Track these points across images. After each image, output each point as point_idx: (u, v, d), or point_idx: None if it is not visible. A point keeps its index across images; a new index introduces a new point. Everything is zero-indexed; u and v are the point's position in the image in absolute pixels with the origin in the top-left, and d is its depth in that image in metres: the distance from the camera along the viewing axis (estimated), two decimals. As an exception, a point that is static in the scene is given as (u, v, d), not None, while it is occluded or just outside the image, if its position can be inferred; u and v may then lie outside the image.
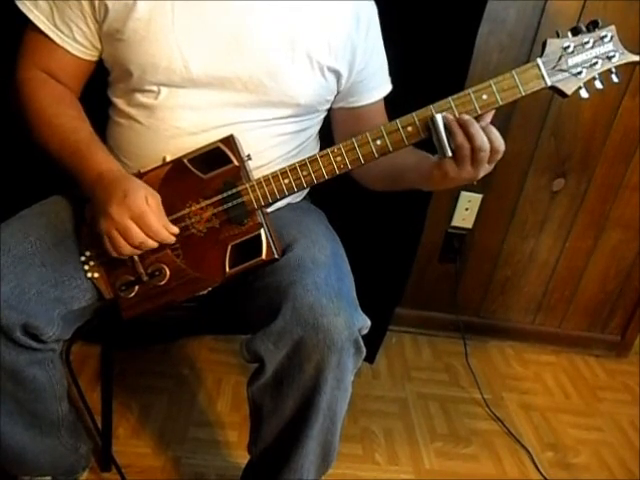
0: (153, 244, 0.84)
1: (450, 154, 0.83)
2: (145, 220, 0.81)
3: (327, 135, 1.10)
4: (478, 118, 0.83)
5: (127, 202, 0.80)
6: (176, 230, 0.86)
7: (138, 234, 0.81)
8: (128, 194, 0.80)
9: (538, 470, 1.44)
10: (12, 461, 1.01)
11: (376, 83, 1.06)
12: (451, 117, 0.82)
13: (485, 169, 0.84)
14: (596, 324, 1.99)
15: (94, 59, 0.95)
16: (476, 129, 0.81)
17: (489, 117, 0.84)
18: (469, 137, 0.81)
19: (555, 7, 1.48)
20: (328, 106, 1.05)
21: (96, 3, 0.87)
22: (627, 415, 1.72)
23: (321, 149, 0.95)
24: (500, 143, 0.82)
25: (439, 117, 0.82)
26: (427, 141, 0.85)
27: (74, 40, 0.91)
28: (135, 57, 0.88)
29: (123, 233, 0.81)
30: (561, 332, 1.99)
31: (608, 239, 1.83)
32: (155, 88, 0.91)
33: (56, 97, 0.93)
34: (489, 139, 0.81)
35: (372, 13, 1.00)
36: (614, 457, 1.54)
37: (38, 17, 0.90)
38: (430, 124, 0.83)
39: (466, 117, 0.81)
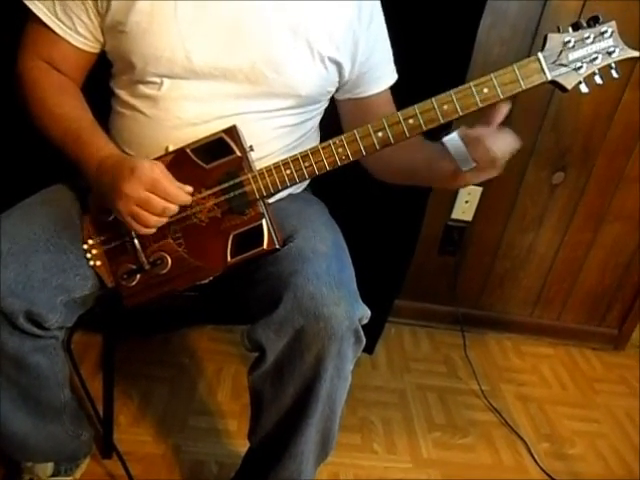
0: (175, 208, 0.84)
1: (473, 165, 0.84)
2: (159, 186, 0.81)
3: (328, 127, 1.10)
4: (492, 111, 0.84)
5: (136, 175, 0.80)
6: (190, 189, 0.86)
7: (159, 202, 0.81)
8: (135, 168, 0.80)
9: (534, 460, 1.45)
10: (15, 447, 1.03)
11: (381, 73, 1.06)
12: (468, 131, 0.83)
13: (502, 166, 0.86)
14: (594, 317, 2.00)
15: (96, 51, 0.95)
16: (492, 140, 0.82)
17: (500, 115, 0.84)
18: (487, 149, 0.82)
19: (557, 1, 1.48)
20: (329, 97, 1.05)
21: None
22: (623, 407, 1.73)
23: (322, 140, 0.96)
24: (513, 139, 0.84)
25: (455, 135, 0.83)
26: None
27: (76, 32, 0.92)
28: (138, 49, 0.88)
29: (144, 205, 0.81)
30: (559, 325, 2.00)
31: (607, 233, 1.84)
32: (158, 79, 0.91)
33: (58, 87, 0.94)
34: (505, 143, 0.83)
35: (375, 3, 0.99)
36: (610, 448, 1.56)
37: (40, 8, 0.90)
38: (447, 142, 0.84)
39: (477, 132, 0.83)
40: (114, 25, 0.88)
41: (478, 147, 0.83)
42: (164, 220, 0.85)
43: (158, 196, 0.81)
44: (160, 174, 0.82)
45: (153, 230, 0.85)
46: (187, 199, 0.86)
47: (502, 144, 0.83)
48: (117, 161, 0.84)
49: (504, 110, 0.84)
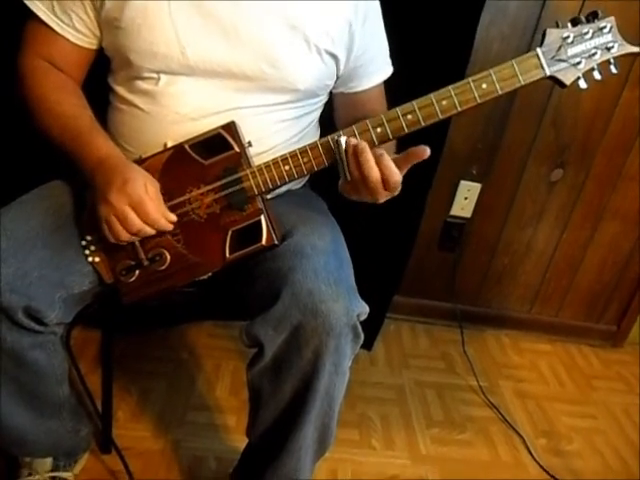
0: (151, 231, 0.85)
1: (349, 178, 0.83)
2: (144, 208, 0.82)
3: (327, 122, 1.10)
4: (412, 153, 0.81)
5: (126, 189, 0.81)
6: (174, 218, 0.87)
7: (136, 221, 0.82)
8: (128, 181, 0.81)
9: (531, 456, 1.46)
10: (14, 442, 1.03)
11: (375, 68, 1.05)
12: (354, 141, 0.82)
13: (384, 195, 0.84)
14: (592, 314, 2.01)
15: (95, 47, 0.95)
16: (365, 159, 0.80)
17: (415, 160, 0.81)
18: (359, 165, 0.81)
19: (557, -4, 1.48)
20: (328, 91, 1.05)
21: None
22: (621, 404, 1.74)
23: (321, 136, 0.96)
24: (392, 174, 0.80)
25: (343, 140, 0.82)
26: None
27: (74, 29, 0.92)
28: (133, 45, 0.88)
29: (121, 220, 0.81)
30: (557, 321, 2.00)
31: (605, 230, 1.84)
32: (155, 75, 0.91)
33: (58, 85, 0.94)
34: (380, 169, 0.80)
35: None
36: (607, 445, 1.56)
37: (39, 7, 0.90)
38: (334, 146, 0.84)
39: (362, 145, 0.81)
40: (110, 21, 0.88)
41: (352, 160, 0.82)
42: (136, 238, 0.85)
43: (138, 215, 0.82)
44: (149, 195, 0.83)
45: (122, 242, 0.85)
46: (167, 227, 0.86)
47: (375, 168, 0.80)
48: (116, 165, 0.84)
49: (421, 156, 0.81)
